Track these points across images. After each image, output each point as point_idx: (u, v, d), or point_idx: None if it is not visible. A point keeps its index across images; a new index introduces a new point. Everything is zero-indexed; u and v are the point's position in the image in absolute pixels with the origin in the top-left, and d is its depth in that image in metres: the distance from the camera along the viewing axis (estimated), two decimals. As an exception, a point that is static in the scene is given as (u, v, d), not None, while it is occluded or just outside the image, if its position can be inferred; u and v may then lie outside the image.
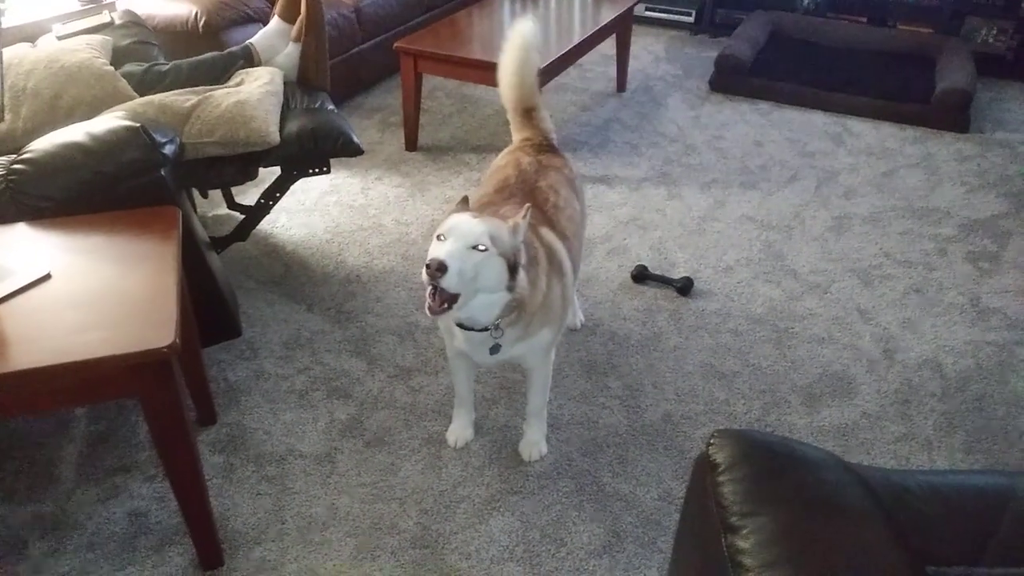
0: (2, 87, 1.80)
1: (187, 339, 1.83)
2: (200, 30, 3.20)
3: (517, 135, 2.16)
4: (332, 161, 2.49)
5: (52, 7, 2.71)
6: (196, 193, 2.87)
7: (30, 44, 2.42)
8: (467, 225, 1.54)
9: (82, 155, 1.77)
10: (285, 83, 2.52)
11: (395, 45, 3.41)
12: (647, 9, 5.22)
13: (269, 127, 2.26)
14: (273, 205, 2.56)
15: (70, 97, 2.20)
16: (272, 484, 1.95)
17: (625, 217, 3.10)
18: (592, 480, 1.97)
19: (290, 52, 2.62)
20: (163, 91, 2.32)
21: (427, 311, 1.54)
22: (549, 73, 3.39)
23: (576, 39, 3.52)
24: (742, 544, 1.03)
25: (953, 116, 3.83)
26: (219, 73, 2.48)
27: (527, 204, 1.63)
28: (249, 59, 2.56)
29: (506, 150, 2.14)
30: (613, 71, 4.30)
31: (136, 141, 1.81)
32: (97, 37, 2.47)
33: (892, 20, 4.80)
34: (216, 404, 2.15)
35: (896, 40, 4.55)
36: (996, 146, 3.74)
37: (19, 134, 2.15)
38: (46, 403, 1.55)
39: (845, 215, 3.15)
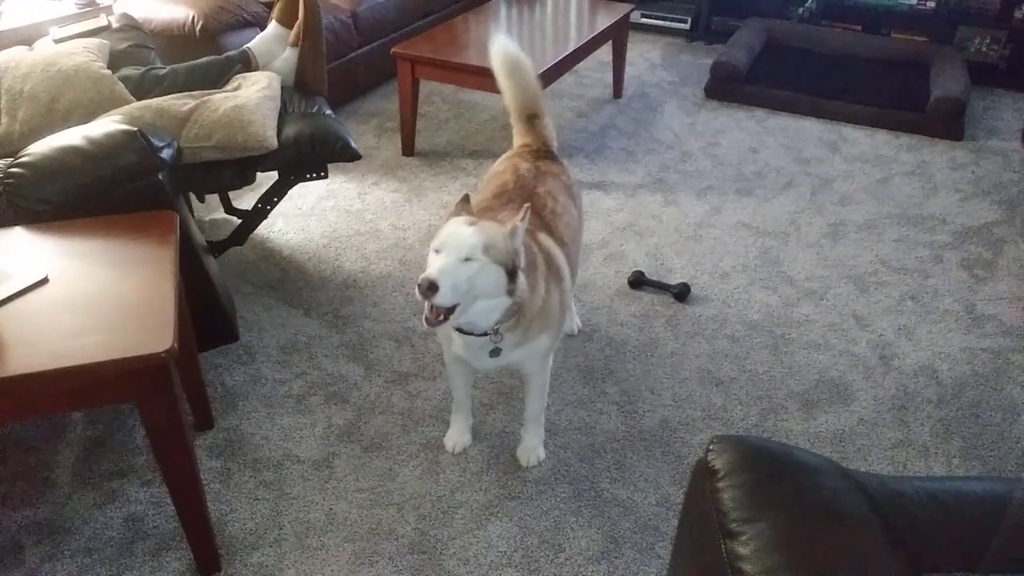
0: None
1: (184, 343, 1.83)
2: (197, 34, 3.20)
3: (517, 140, 2.17)
4: (329, 166, 2.49)
5: (49, 10, 2.71)
6: (193, 197, 2.86)
7: (27, 47, 2.42)
8: (460, 237, 1.54)
9: (79, 159, 1.77)
10: (282, 88, 2.52)
11: (392, 50, 3.42)
12: (643, 16, 5.24)
13: (267, 131, 2.26)
14: (270, 210, 2.56)
15: (67, 101, 2.20)
16: (270, 489, 1.94)
17: (622, 223, 3.11)
18: (590, 486, 1.97)
19: (287, 57, 2.62)
20: (160, 95, 2.32)
21: (424, 323, 1.54)
22: (545, 79, 3.39)
23: (572, 46, 3.53)
24: (741, 550, 1.03)
25: (947, 124, 3.85)
26: (216, 77, 2.48)
27: (526, 204, 1.63)
28: (247, 63, 2.56)
29: (504, 156, 2.14)
30: (609, 77, 4.32)
31: (133, 145, 1.81)
32: (94, 40, 2.47)
33: (886, 28, 4.83)
34: (213, 409, 2.14)
35: (890, 48, 4.58)
36: (990, 154, 3.76)
37: (16, 137, 2.15)
38: (43, 407, 1.55)
39: (840, 222, 3.16)
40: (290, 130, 2.36)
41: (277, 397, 2.22)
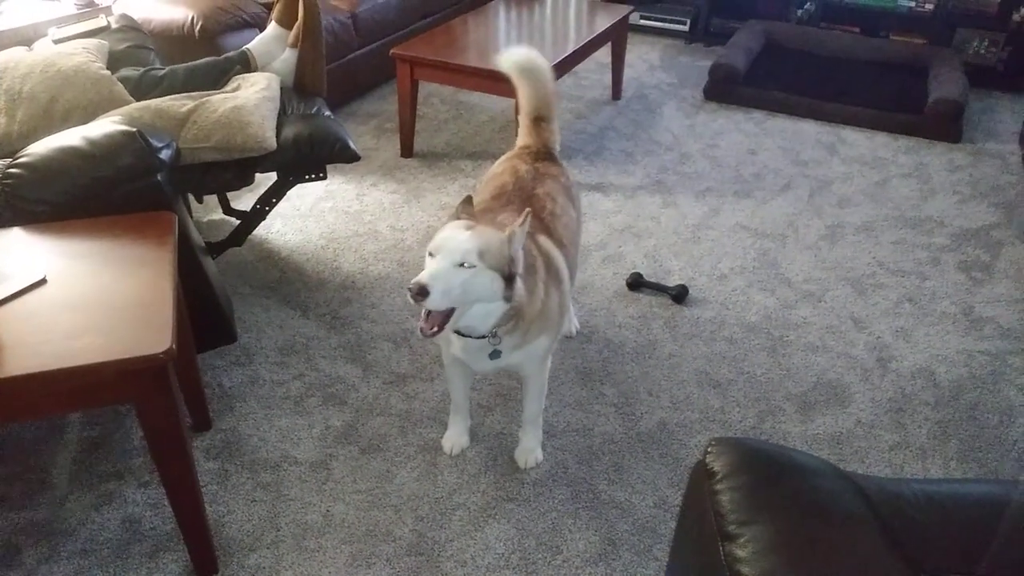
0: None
1: (182, 344, 1.83)
2: (196, 35, 3.20)
3: (520, 140, 2.17)
4: (328, 167, 2.49)
5: (48, 11, 2.71)
6: (192, 198, 2.86)
7: (26, 48, 2.42)
8: (455, 242, 1.53)
9: (78, 159, 1.77)
10: (282, 89, 2.52)
11: (391, 51, 3.42)
12: (642, 18, 5.25)
13: (265, 132, 2.26)
14: (269, 211, 2.56)
15: (66, 101, 2.20)
16: (267, 491, 1.94)
17: (620, 225, 3.11)
18: (588, 488, 1.97)
19: (287, 58, 2.62)
20: (159, 96, 2.32)
21: (419, 333, 1.54)
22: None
23: (571, 47, 3.53)
24: (740, 552, 1.03)
25: (946, 126, 3.86)
26: (216, 78, 2.48)
27: (526, 210, 1.62)
28: (246, 64, 2.56)
29: (503, 157, 2.14)
30: (608, 79, 4.32)
31: (132, 146, 1.80)
32: (93, 41, 2.47)
33: (885, 30, 4.84)
34: (211, 410, 2.14)
35: (889, 50, 4.59)
36: (988, 156, 3.77)
37: (15, 138, 2.15)
38: (41, 408, 1.54)
39: (838, 224, 3.16)
40: (289, 131, 2.36)
41: (275, 398, 2.22)
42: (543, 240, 1.82)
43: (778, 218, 3.19)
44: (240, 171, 2.31)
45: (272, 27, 2.64)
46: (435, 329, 1.54)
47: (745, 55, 4.40)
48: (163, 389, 1.45)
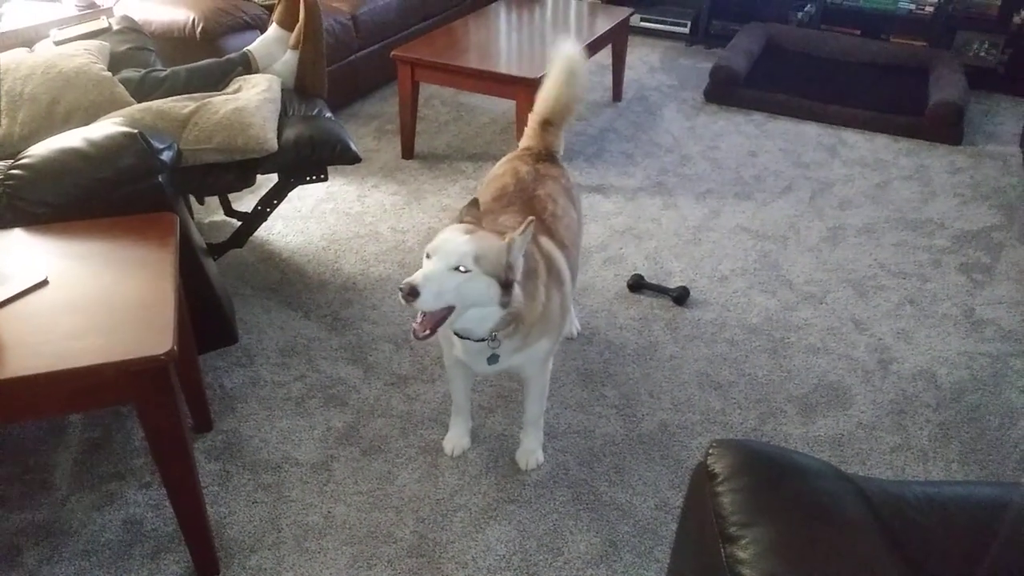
0: None
1: (184, 345, 1.83)
2: (197, 36, 3.20)
3: (523, 141, 2.17)
4: (329, 168, 2.49)
5: (50, 12, 2.71)
6: (193, 199, 2.86)
7: (27, 49, 2.42)
8: (452, 245, 1.53)
9: (80, 161, 1.77)
10: (283, 90, 2.52)
11: (392, 53, 3.43)
12: (642, 20, 5.25)
13: (267, 134, 2.26)
14: (270, 212, 2.56)
15: (67, 102, 2.20)
16: (268, 492, 1.94)
17: (621, 226, 3.12)
18: (589, 489, 1.97)
19: (288, 59, 2.62)
20: (161, 97, 2.32)
21: (412, 335, 1.54)
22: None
23: (573, 49, 3.53)
24: (741, 554, 1.03)
25: (946, 128, 3.86)
26: (217, 80, 2.48)
27: (530, 218, 1.61)
28: (247, 66, 2.56)
29: (504, 159, 2.14)
30: (609, 81, 4.32)
31: (134, 147, 1.81)
32: (94, 42, 2.47)
33: (885, 33, 4.84)
34: (212, 411, 2.14)
35: (889, 53, 4.59)
36: (988, 158, 3.77)
37: (16, 139, 2.15)
38: (42, 409, 1.55)
39: (839, 226, 3.16)
40: (290, 132, 2.36)
41: (276, 399, 2.22)
42: (545, 241, 1.82)
43: (779, 220, 3.19)
44: (241, 172, 2.31)
45: (273, 29, 2.64)
46: (427, 331, 1.53)
47: (746, 57, 4.40)
48: (164, 390, 1.45)
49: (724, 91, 4.26)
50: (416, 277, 1.49)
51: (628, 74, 4.49)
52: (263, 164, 2.31)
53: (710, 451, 1.18)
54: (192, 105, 2.25)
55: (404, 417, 2.18)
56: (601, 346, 2.46)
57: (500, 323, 1.62)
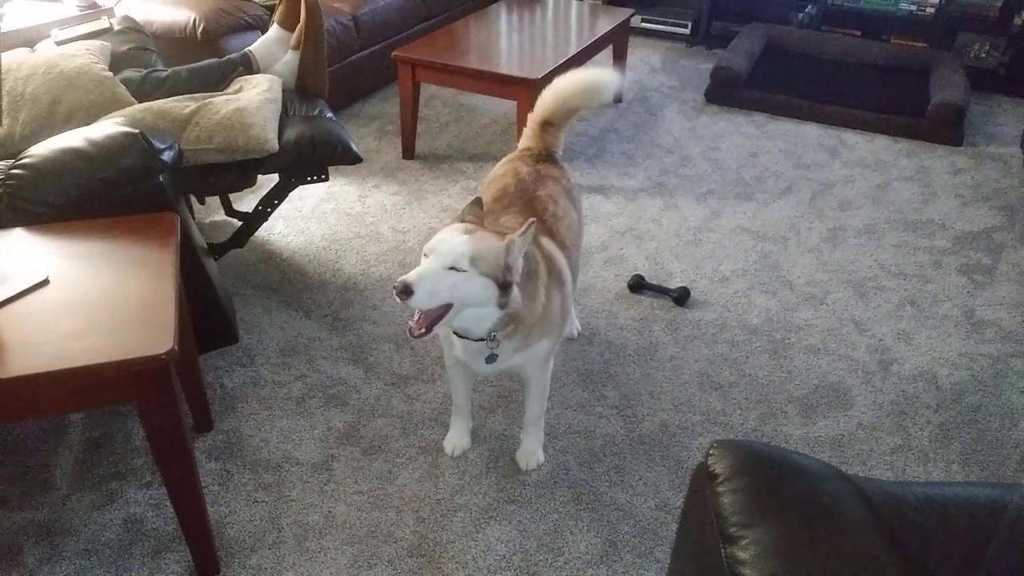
0: (0, 92, 1.80)
1: (184, 345, 1.83)
2: (198, 37, 3.20)
3: (523, 142, 2.17)
4: (329, 169, 2.49)
5: (51, 12, 2.71)
6: (194, 199, 2.87)
7: (29, 49, 2.42)
8: (449, 245, 1.53)
9: (81, 160, 1.77)
10: (284, 90, 2.52)
11: (393, 54, 3.43)
12: (643, 21, 5.25)
13: (268, 134, 2.26)
14: (271, 212, 2.56)
15: (68, 102, 2.20)
16: (269, 492, 1.94)
17: (621, 227, 3.12)
18: (589, 489, 1.97)
19: (289, 60, 2.63)
20: (162, 97, 2.32)
21: (408, 333, 1.54)
22: (546, 83, 3.40)
23: (573, 50, 3.53)
24: (741, 555, 1.03)
25: (947, 130, 3.86)
26: (218, 80, 2.48)
27: (531, 219, 1.60)
28: (248, 66, 2.56)
29: (504, 159, 2.14)
30: (610, 81, 4.32)
31: (135, 147, 1.81)
32: (96, 43, 2.47)
33: (886, 34, 4.84)
34: (212, 411, 2.14)
35: (890, 54, 4.59)
36: (989, 160, 3.77)
37: (17, 139, 2.15)
38: (43, 409, 1.55)
39: (840, 227, 3.16)
40: (291, 133, 2.36)
41: (276, 399, 2.22)
42: (545, 242, 1.82)
43: (779, 221, 3.19)
44: (242, 173, 2.31)
45: (274, 29, 2.64)
46: (423, 330, 1.53)
47: (746, 58, 4.40)
48: (165, 390, 1.45)
49: (725, 92, 4.26)
50: (410, 275, 1.49)
51: (629, 75, 4.49)
52: (264, 164, 2.32)
53: (710, 452, 1.18)
54: (193, 105, 2.25)
55: (404, 417, 2.18)
56: (602, 346, 2.46)
57: (498, 324, 1.61)
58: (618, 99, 4.28)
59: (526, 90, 3.15)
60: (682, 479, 2.00)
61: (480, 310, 1.57)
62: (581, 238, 2.15)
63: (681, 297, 2.66)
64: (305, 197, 3.23)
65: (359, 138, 3.76)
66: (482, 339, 1.65)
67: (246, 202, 3.02)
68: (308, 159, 2.36)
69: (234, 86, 2.47)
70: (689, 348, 2.47)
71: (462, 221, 1.65)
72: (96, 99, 2.23)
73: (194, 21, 3.20)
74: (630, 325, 2.56)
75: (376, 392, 2.26)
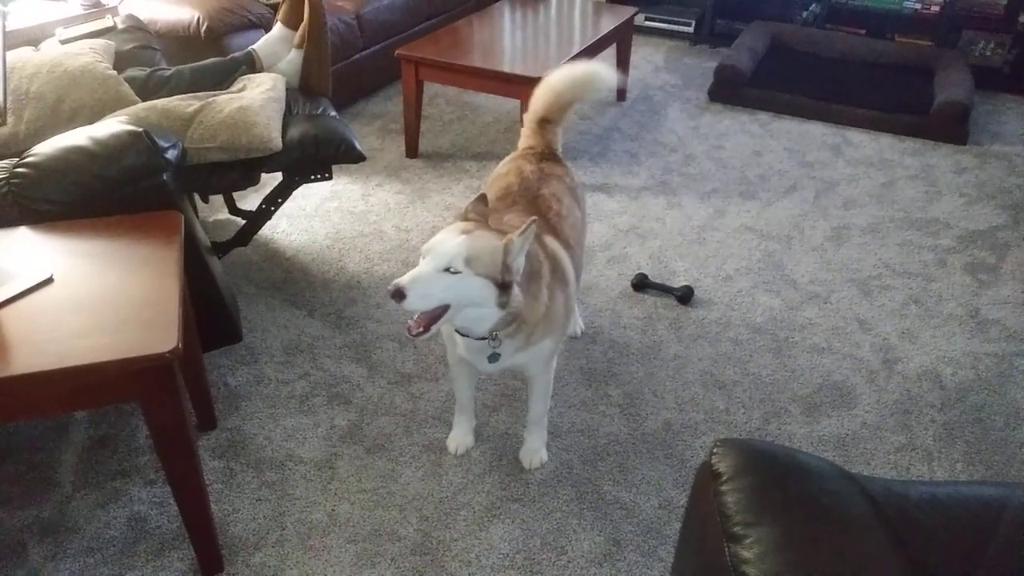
0: (5, 91, 1.81)
1: (188, 344, 1.84)
2: (202, 35, 3.21)
3: (523, 142, 2.17)
4: (333, 167, 2.49)
5: (55, 11, 2.72)
6: (197, 198, 2.87)
7: (33, 48, 2.42)
8: (444, 246, 1.52)
9: (85, 159, 1.77)
10: (287, 89, 2.53)
11: (396, 52, 3.43)
12: (647, 19, 5.25)
13: (271, 133, 2.27)
14: (274, 211, 2.56)
15: (73, 101, 2.21)
16: (272, 490, 1.94)
17: (625, 226, 3.11)
18: (592, 488, 1.97)
19: (292, 58, 2.63)
20: (166, 96, 2.33)
21: (407, 332, 1.54)
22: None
23: (576, 49, 3.53)
24: (745, 554, 1.03)
25: (951, 128, 3.85)
26: (221, 79, 2.48)
27: (531, 219, 1.60)
28: (251, 65, 2.57)
29: (507, 158, 2.14)
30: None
31: (139, 146, 1.81)
32: (100, 41, 2.48)
33: (890, 32, 4.83)
34: (216, 409, 2.15)
35: (894, 52, 4.58)
36: (994, 158, 3.76)
37: (21, 138, 2.15)
38: (47, 407, 1.55)
39: (844, 225, 3.16)
40: (295, 131, 2.36)
41: (280, 398, 2.22)
42: (549, 241, 1.82)
43: (783, 219, 3.19)
44: (246, 171, 2.32)
45: (278, 28, 2.65)
46: (421, 330, 1.54)
47: (750, 56, 4.39)
48: (169, 388, 1.45)
49: (729, 90, 4.26)
50: (404, 279, 1.49)
51: (632, 73, 4.49)
52: (267, 163, 2.32)
53: (714, 450, 1.18)
54: (197, 104, 2.25)
55: (408, 415, 2.18)
56: (605, 345, 2.46)
57: (499, 323, 1.61)
58: (621, 97, 4.28)
59: (529, 89, 3.10)
60: (685, 478, 2.00)
61: (480, 310, 1.57)
62: (585, 237, 2.15)
63: (685, 296, 2.65)
64: (308, 196, 3.23)
65: (362, 137, 3.76)
66: (484, 338, 1.65)
67: (250, 201, 3.03)
68: (311, 158, 2.36)
69: (238, 85, 2.47)
70: (693, 347, 2.47)
71: (465, 219, 1.64)
72: (100, 98, 2.23)
73: (198, 20, 3.21)
74: (633, 324, 2.56)
75: (379, 390, 2.26)
